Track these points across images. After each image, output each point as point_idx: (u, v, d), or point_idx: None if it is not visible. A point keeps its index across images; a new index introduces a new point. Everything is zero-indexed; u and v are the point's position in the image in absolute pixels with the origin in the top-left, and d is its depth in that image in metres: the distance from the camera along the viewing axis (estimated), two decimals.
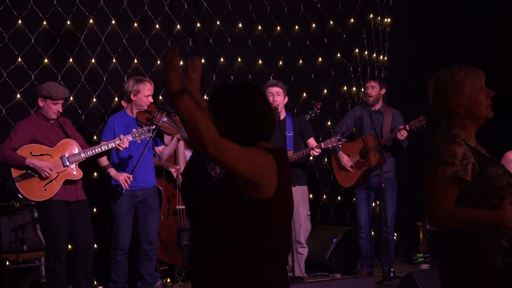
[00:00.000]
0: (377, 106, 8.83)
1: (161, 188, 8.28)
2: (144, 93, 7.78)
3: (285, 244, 3.47)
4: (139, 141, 7.52)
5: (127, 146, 7.39)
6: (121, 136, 7.35)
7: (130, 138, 7.37)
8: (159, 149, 8.00)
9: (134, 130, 7.44)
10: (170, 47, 3.19)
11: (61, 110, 7.31)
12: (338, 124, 9.21)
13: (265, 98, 3.49)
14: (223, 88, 3.50)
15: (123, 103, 8.20)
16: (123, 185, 7.55)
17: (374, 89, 8.78)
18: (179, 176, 8.18)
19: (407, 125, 8.48)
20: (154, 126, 7.55)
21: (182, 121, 3.15)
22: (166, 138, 8.12)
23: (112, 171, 7.68)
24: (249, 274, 3.31)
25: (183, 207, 8.35)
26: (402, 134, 8.44)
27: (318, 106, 9.03)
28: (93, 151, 7.26)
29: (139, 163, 7.62)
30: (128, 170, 7.70)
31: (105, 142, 7.37)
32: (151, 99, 7.86)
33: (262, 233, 3.32)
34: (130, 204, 7.76)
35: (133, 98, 7.78)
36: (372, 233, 9.30)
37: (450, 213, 3.49)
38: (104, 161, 7.69)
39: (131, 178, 7.56)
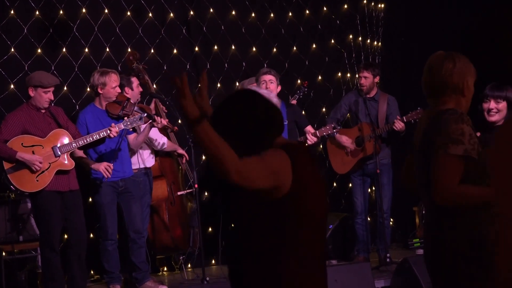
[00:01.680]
0: (372, 93, 8.80)
1: (164, 173, 8.30)
2: (111, 85, 7.70)
3: (321, 246, 3.35)
4: (131, 129, 7.50)
5: (118, 133, 7.35)
6: (113, 124, 7.32)
7: (122, 126, 7.34)
8: (130, 137, 7.92)
9: (125, 118, 7.41)
10: (177, 76, 3.12)
11: (52, 98, 7.27)
12: (332, 110, 9.18)
13: (259, 97, 3.39)
14: (216, 109, 3.41)
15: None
16: (104, 174, 7.50)
17: (367, 80, 8.73)
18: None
19: (404, 117, 8.45)
20: (146, 114, 7.51)
21: (202, 149, 3.05)
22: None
23: (91, 163, 7.63)
24: (284, 277, 3.23)
25: (184, 192, 8.52)
26: (399, 125, 8.42)
27: (305, 85, 9.03)
28: (85, 141, 7.23)
29: (111, 149, 7.60)
30: (107, 160, 7.63)
31: (96, 132, 7.33)
32: (118, 90, 7.77)
33: (290, 233, 3.22)
34: (113, 194, 7.74)
35: (100, 92, 7.70)
36: (368, 219, 9.30)
37: (457, 190, 3.58)
38: (79, 153, 7.60)
39: (112, 167, 7.52)
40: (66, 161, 7.22)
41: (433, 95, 3.81)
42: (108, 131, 7.27)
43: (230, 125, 3.31)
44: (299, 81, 10.01)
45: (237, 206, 3.34)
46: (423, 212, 9.98)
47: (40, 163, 7.03)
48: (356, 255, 9.04)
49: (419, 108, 8.42)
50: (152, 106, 8.35)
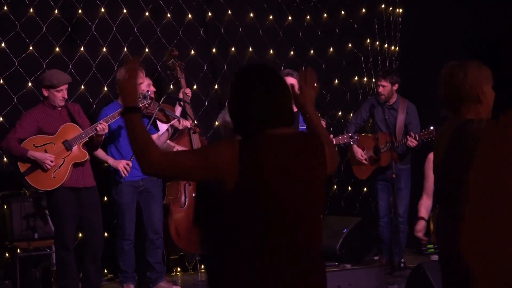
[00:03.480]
0: (391, 101, 8.72)
1: None
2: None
3: (285, 243, 3.14)
4: (151, 125, 7.51)
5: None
6: (101, 121, 7.29)
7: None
8: (154, 137, 7.94)
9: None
10: (130, 57, 3.15)
11: (66, 96, 7.27)
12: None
13: (279, 82, 3.31)
14: (240, 68, 3.39)
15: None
16: (122, 172, 7.52)
17: (385, 88, 8.65)
18: None
19: (416, 135, 8.40)
20: (149, 92, 7.51)
21: (128, 138, 3.23)
22: (162, 126, 8.07)
23: (110, 160, 7.64)
24: (238, 272, 3.14)
25: None
26: (412, 142, 8.39)
27: (334, 113, 9.04)
28: (94, 129, 7.21)
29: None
30: (128, 159, 7.66)
31: (105, 118, 7.32)
32: (142, 87, 7.80)
33: (238, 229, 3.13)
34: (133, 194, 7.75)
35: None
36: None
37: None
38: (100, 152, 7.64)
39: (131, 165, 7.53)
40: (80, 153, 7.22)
41: (451, 106, 3.79)
42: (111, 117, 7.27)
43: (230, 110, 3.36)
44: (315, 85, 9.97)
45: (199, 202, 3.38)
46: (438, 220, 9.95)
47: (52, 161, 7.04)
48: (379, 258, 9.04)
49: (431, 127, 8.36)
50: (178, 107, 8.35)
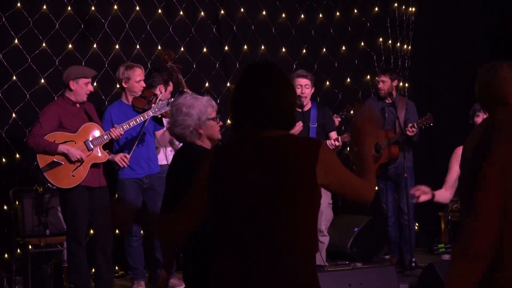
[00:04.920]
0: (391, 98, 8.79)
1: None
2: (135, 78, 7.75)
3: (237, 242, 3.20)
4: (159, 116, 7.54)
5: (147, 118, 7.42)
6: (115, 125, 7.37)
7: (150, 114, 7.44)
8: (159, 133, 7.95)
9: (153, 105, 7.48)
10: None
11: (92, 89, 7.35)
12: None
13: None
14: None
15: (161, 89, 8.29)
16: (120, 163, 7.53)
17: (385, 84, 8.76)
18: None
19: (415, 123, 8.46)
20: (172, 99, 7.55)
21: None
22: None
23: (109, 155, 7.67)
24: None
25: None
26: (412, 131, 8.43)
27: (349, 109, 9.04)
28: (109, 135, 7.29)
29: (136, 145, 7.61)
30: (133, 155, 7.63)
31: (133, 118, 7.39)
32: (143, 84, 7.82)
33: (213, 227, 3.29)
34: (138, 191, 7.79)
35: (125, 86, 7.76)
36: None
37: None
38: None
39: (128, 157, 7.53)
40: (100, 154, 7.28)
41: (485, 106, 3.83)
42: (137, 120, 7.34)
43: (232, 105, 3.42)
44: (327, 83, 9.99)
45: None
46: (449, 217, 9.93)
47: (82, 157, 7.09)
48: (390, 258, 9.05)
49: (428, 114, 8.45)
50: None
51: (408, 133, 8.45)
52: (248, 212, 3.18)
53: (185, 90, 8.36)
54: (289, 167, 3.18)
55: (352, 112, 9.05)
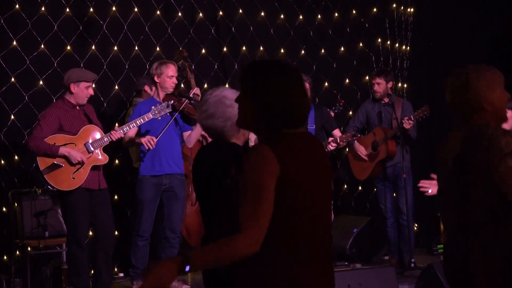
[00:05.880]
0: (386, 99, 8.83)
1: (187, 173, 8.27)
2: (167, 73, 7.72)
3: (308, 237, 3.14)
4: (160, 118, 7.45)
5: (147, 120, 7.38)
6: (116, 127, 7.36)
7: (150, 116, 7.37)
8: (186, 134, 7.94)
9: (153, 107, 7.42)
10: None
11: (92, 93, 7.33)
12: (351, 119, 9.25)
13: (300, 80, 3.24)
14: (254, 62, 3.30)
15: (147, 89, 8.27)
16: (145, 145, 7.50)
17: (380, 86, 8.84)
18: None
19: (411, 115, 8.49)
20: (172, 101, 7.53)
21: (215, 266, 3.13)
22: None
23: (137, 139, 7.59)
24: (263, 270, 3.11)
25: None
26: (409, 123, 8.45)
27: (341, 103, 9.04)
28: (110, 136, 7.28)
29: (159, 142, 7.59)
30: (156, 153, 7.63)
31: (129, 123, 7.38)
32: (175, 81, 7.80)
33: (275, 228, 3.09)
34: (156, 193, 7.72)
35: (157, 80, 7.74)
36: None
37: None
38: (130, 132, 7.58)
39: (155, 140, 7.52)
40: (101, 156, 7.28)
41: (458, 113, 3.75)
42: (138, 122, 7.32)
43: (254, 85, 3.25)
44: (326, 84, 9.99)
45: (233, 203, 3.31)
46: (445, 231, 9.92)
47: (82, 159, 7.08)
48: (389, 258, 9.05)
49: (424, 106, 8.49)
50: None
51: (405, 125, 8.46)
52: (320, 213, 3.20)
53: (192, 89, 8.34)
54: (326, 164, 3.28)
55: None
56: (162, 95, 7.73)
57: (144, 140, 7.48)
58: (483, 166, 3.53)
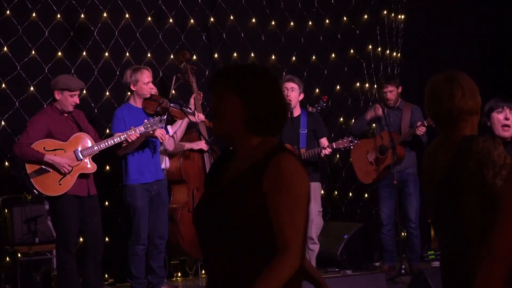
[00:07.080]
0: (396, 103, 8.82)
1: (185, 179, 8.25)
2: (143, 80, 7.71)
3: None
4: (151, 132, 7.46)
5: (138, 136, 7.35)
6: (132, 127, 7.34)
7: (142, 129, 7.34)
8: (166, 138, 7.91)
9: (145, 121, 7.38)
10: None
11: (78, 102, 7.31)
12: (357, 120, 9.20)
13: (279, 85, 3.11)
14: (234, 65, 3.20)
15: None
16: (160, 139, 7.52)
17: (392, 93, 8.77)
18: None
19: (425, 121, 8.43)
20: (165, 116, 7.53)
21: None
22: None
23: (143, 135, 7.50)
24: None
25: None
26: (421, 130, 8.43)
27: (324, 100, 9.01)
28: (106, 144, 7.26)
29: (145, 151, 7.61)
30: (143, 160, 7.64)
31: (118, 134, 7.35)
32: (152, 86, 7.80)
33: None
34: (147, 198, 7.73)
35: (133, 89, 7.72)
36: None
37: None
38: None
39: (166, 135, 7.56)
40: (89, 165, 7.26)
41: (445, 123, 3.69)
42: (129, 133, 7.30)
43: (240, 84, 3.07)
44: (317, 90, 10.00)
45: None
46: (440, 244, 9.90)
47: (70, 166, 7.07)
48: (381, 265, 9.05)
49: None
50: (192, 101, 8.27)
51: (418, 132, 8.43)
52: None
53: (195, 94, 8.33)
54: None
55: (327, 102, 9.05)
56: (139, 101, 7.73)
57: (158, 134, 7.49)
58: (475, 185, 3.49)
